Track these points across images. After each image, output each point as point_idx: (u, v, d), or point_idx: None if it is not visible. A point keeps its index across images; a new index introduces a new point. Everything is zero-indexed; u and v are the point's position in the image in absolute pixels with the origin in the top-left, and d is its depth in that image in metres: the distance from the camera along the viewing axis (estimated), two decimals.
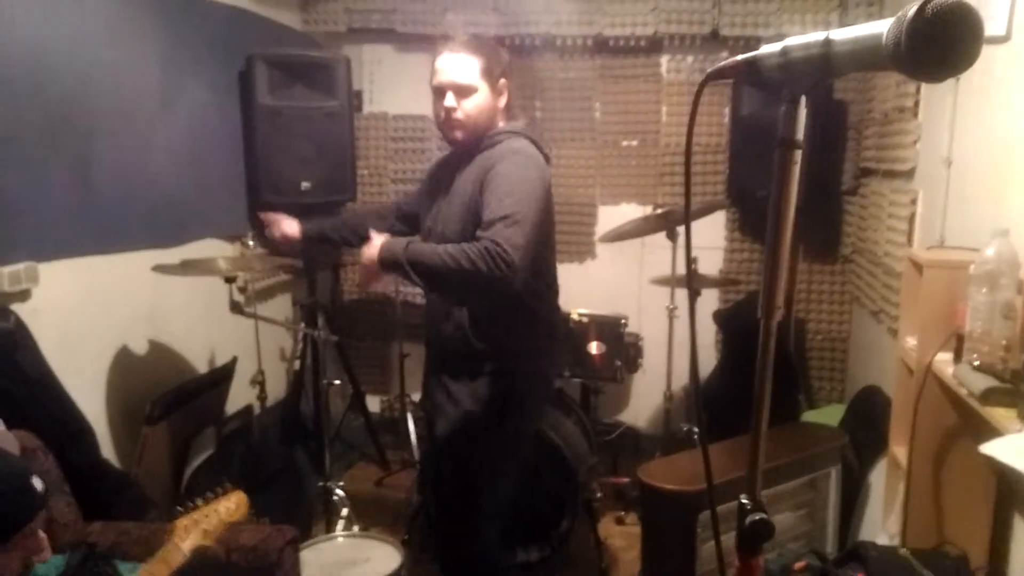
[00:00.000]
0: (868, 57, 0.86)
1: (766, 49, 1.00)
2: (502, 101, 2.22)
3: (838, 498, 2.87)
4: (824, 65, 0.92)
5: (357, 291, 3.71)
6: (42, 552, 1.52)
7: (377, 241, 2.05)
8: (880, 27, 0.83)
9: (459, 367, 2.27)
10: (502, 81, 2.20)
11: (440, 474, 2.52)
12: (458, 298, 2.15)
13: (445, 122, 2.16)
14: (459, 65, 2.12)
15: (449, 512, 2.42)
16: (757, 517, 0.96)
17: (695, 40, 4.17)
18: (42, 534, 1.53)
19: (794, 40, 0.96)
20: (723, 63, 1.06)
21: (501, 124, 2.25)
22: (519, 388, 2.25)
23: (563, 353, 3.06)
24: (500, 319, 2.19)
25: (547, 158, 2.25)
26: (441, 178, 2.30)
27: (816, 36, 0.92)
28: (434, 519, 2.75)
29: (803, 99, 0.98)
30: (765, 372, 0.97)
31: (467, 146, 2.19)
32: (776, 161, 1.00)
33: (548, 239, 2.22)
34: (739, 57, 1.04)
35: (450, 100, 2.11)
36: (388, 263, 2.00)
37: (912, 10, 0.77)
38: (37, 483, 1.53)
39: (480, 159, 2.15)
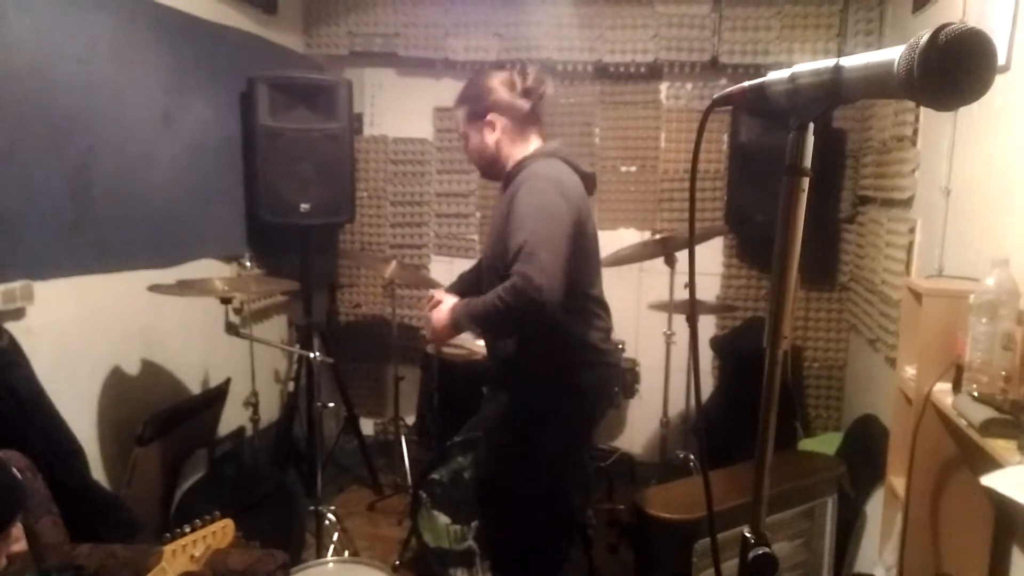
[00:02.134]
0: (879, 84, 0.86)
1: (774, 75, 0.99)
2: (498, 132, 2.26)
3: (834, 528, 2.84)
4: (833, 92, 0.91)
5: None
6: (19, 541, 1.54)
7: (446, 306, 2.24)
8: (891, 54, 0.82)
9: (493, 379, 2.43)
10: (490, 116, 2.25)
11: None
12: (511, 333, 2.25)
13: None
14: (455, 116, 2.35)
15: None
16: (761, 551, 0.94)
17: (695, 67, 4.20)
18: (18, 524, 1.54)
19: (803, 67, 0.95)
20: (730, 89, 1.06)
21: (530, 147, 2.28)
22: (546, 401, 2.25)
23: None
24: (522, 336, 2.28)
25: (580, 170, 2.26)
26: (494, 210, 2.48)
27: (826, 63, 0.92)
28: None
29: (811, 126, 0.98)
30: (770, 404, 0.96)
31: (496, 178, 2.35)
32: (784, 188, 0.99)
33: (580, 251, 2.18)
34: (746, 83, 1.03)
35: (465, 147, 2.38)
36: (458, 325, 2.20)
37: (925, 37, 0.77)
38: (18, 473, 1.56)
39: (509, 189, 2.21)
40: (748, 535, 0.95)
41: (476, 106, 2.28)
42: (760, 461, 0.97)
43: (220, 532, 1.82)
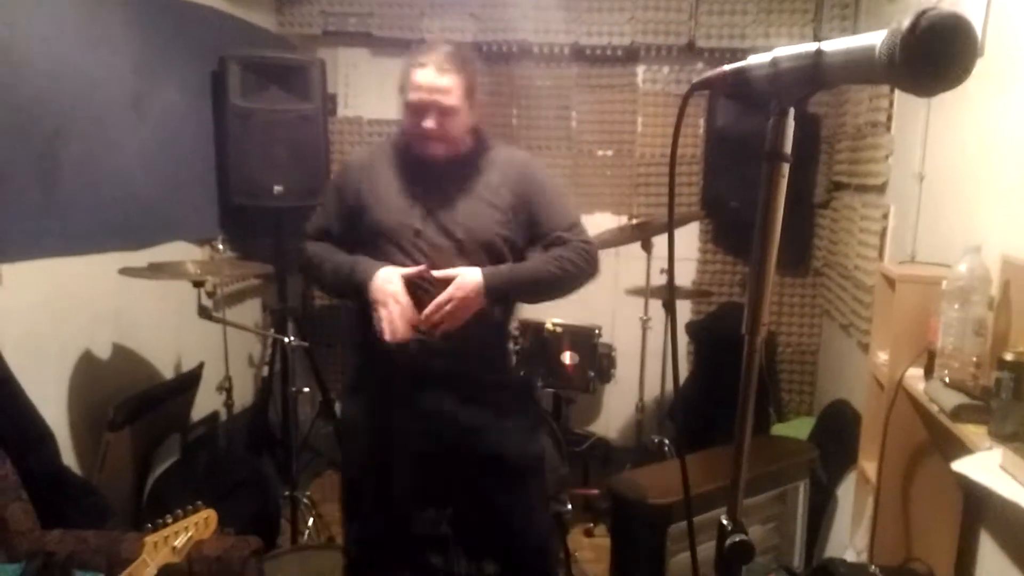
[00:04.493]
0: (860, 69, 0.85)
1: (755, 59, 0.98)
2: (474, 119, 2.16)
3: (806, 512, 2.87)
4: (814, 76, 0.90)
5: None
6: None
7: (472, 275, 1.99)
8: (873, 39, 0.81)
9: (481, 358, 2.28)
10: (477, 95, 2.14)
11: None
12: (560, 297, 2.18)
13: (421, 139, 2.06)
14: (444, 86, 2.02)
15: None
16: (738, 539, 0.94)
17: (671, 51, 4.20)
18: None
19: (784, 51, 0.94)
20: (710, 73, 1.05)
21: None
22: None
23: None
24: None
25: None
26: (414, 180, 2.13)
27: (807, 47, 0.91)
28: None
29: (791, 111, 0.97)
30: (748, 391, 0.95)
31: (441, 158, 2.11)
32: (763, 174, 0.98)
33: None
34: (727, 67, 1.02)
35: (431, 122, 2.02)
36: (497, 291, 2.01)
37: (906, 22, 0.76)
38: None
39: (495, 163, 2.14)
40: (725, 522, 0.95)
41: (475, 83, 2.11)
42: (738, 448, 0.97)
43: (202, 523, 1.81)
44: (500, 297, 2.04)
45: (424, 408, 2.10)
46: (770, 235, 1.00)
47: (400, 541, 2.28)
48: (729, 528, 0.95)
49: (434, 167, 2.11)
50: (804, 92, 0.95)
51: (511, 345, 2.29)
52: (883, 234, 3.07)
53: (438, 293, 1.96)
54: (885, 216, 3.05)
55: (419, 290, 1.99)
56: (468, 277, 1.98)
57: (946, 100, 2.51)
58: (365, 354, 2.23)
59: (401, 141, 2.18)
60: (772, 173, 0.99)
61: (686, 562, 2.45)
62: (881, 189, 3.17)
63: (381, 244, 2.10)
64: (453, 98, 2.03)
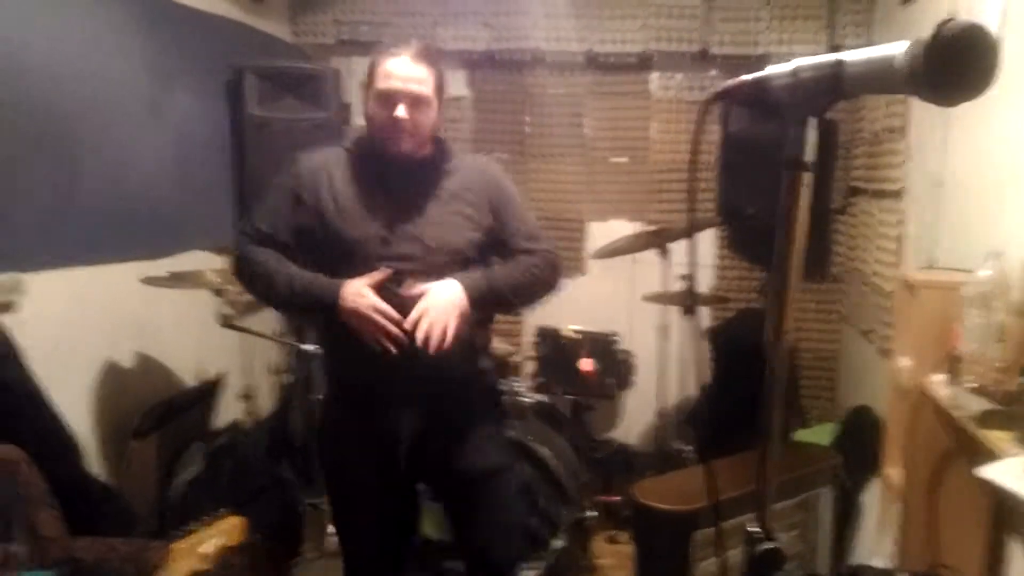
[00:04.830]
0: (881, 80, 0.86)
1: (775, 69, 0.99)
2: (441, 116, 2.08)
3: (831, 519, 2.85)
4: (835, 87, 0.91)
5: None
6: None
7: (447, 285, 1.91)
8: (894, 50, 0.82)
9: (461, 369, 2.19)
10: (444, 95, 2.08)
11: None
12: (521, 308, 2.23)
13: (391, 130, 1.96)
14: (419, 76, 1.96)
15: None
16: (768, 546, 0.95)
17: (684, 58, 4.20)
18: None
19: (805, 61, 0.95)
20: (730, 83, 1.06)
21: None
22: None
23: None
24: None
25: None
26: (374, 187, 2.03)
27: (827, 58, 0.92)
28: None
29: (812, 121, 0.98)
30: (774, 398, 0.96)
31: (407, 157, 2.01)
32: (784, 184, 0.99)
33: None
34: (747, 77, 1.04)
35: (403, 111, 1.93)
36: (480, 299, 1.95)
37: (928, 33, 0.77)
38: None
39: (459, 170, 2.08)
40: (753, 529, 0.96)
41: (444, 81, 2.04)
42: (763, 455, 0.97)
43: (230, 530, 1.81)
44: (483, 303, 1.96)
45: (389, 426, 2.04)
46: (792, 243, 1.00)
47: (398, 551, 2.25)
48: (758, 535, 0.95)
49: (395, 173, 2.02)
50: (825, 102, 0.96)
51: (486, 363, 2.20)
52: (901, 240, 3.06)
53: (411, 309, 1.87)
54: (902, 222, 3.04)
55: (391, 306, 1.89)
56: (442, 287, 1.91)
57: (964, 105, 2.50)
58: (335, 369, 2.17)
59: (359, 145, 2.09)
60: (793, 182, 1.00)
61: (711, 569, 2.44)
62: (899, 195, 3.16)
63: (343, 255, 1.99)
64: (426, 87, 1.97)
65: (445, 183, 2.05)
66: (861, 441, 3.11)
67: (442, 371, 1.96)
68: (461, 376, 2.07)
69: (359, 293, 1.89)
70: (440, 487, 2.23)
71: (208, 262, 3.54)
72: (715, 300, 4.19)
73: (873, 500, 2.69)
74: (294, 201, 2.04)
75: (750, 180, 3.86)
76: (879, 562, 2.29)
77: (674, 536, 2.44)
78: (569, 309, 4.07)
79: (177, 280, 2.96)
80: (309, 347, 3.12)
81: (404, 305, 1.88)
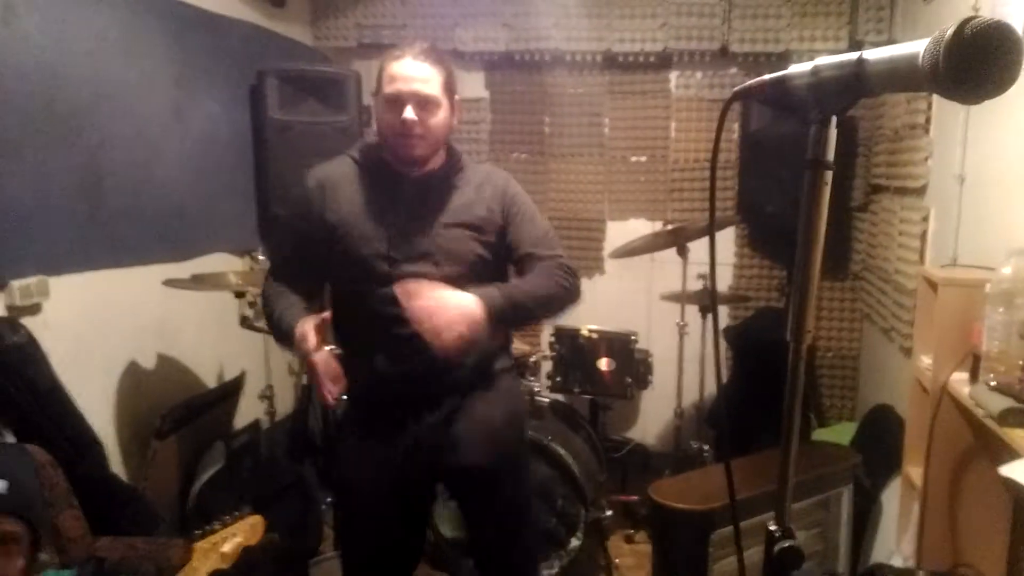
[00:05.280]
0: (903, 78, 0.86)
1: (796, 68, 0.99)
2: (455, 120, 2.02)
3: (850, 518, 2.84)
4: (856, 85, 0.91)
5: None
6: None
7: (469, 301, 1.79)
8: (915, 47, 0.82)
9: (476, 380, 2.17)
10: (456, 98, 2.01)
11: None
12: (539, 322, 2.13)
13: (401, 135, 1.91)
14: (423, 75, 1.90)
15: None
16: (787, 544, 0.94)
17: (704, 56, 4.18)
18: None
19: (825, 59, 0.95)
20: (751, 82, 1.06)
21: None
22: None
23: None
24: None
25: None
26: (384, 200, 1.98)
27: (848, 56, 0.91)
28: None
29: (834, 120, 0.97)
30: (795, 398, 0.96)
31: (417, 164, 1.97)
32: (806, 182, 0.99)
33: None
34: (767, 76, 1.03)
35: (411, 112, 1.88)
36: (500, 315, 1.83)
37: (951, 30, 0.77)
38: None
39: (471, 181, 2.03)
40: (773, 528, 0.96)
41: (453, 80, 1.99)
42: (785, 453, 0.97)
43: (250, 529, 1.82)
44: (503, 318, 1.85)
45: (407, 426, 2.03)
46: (815, 242, 1.00)
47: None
48: (778, 534, 0.95)
49: (403, 186, 1.98)
50: (846, 101, 0.95)
51: (506, 362, 2.16)
52: (923, 237, 3.03)
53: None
54: (925, 219, 3.02)
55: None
56: (454, 294, 1.80)
57: (987, 101, 2.48)
58: (351, 371, 2.07)
59: (367, 155, 2.04)
60: (815, 180, 0.99)
61: (728, 568, 2.44)
62: (921, 192, 3.14)
63: (353, 273, 1.97)
64: (433, 87, 1.91)
65: (455, 196, 2.00)
66: (881, 440, 3.09)
67: (460, 372, 1.96)
68: (480, 376, 2.06)
69: (303, 337, 1.85)
70: (456, 486, 2.22)
71: (230, 264, 3.58)
72: (735, 299, 4.18)
73: (893, 499, 2.67)
74: (301, 223, 2.02)
75: (770, 178, 3.86)
76: (899, 561, 2.28)
77: (692, 535, 2.44)
78: (587, 309, 4.04)
79: (199, 282, 2.99)
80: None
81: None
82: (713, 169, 1.14)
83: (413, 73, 1.90)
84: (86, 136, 2.72)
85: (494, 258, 2.02)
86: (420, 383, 1.97)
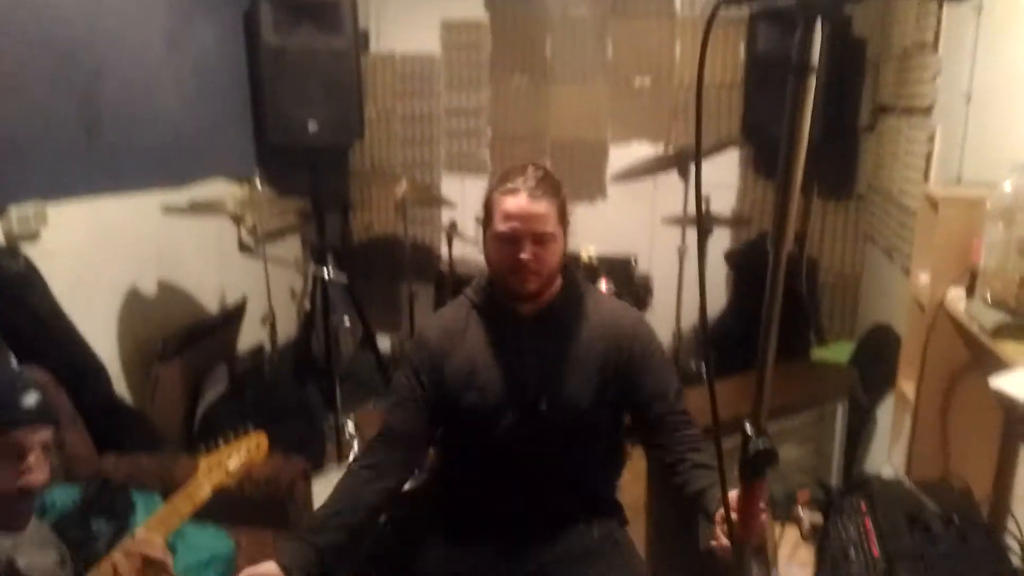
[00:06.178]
0: None
1: None
2: (568, 245, 1.90)
3: (844, 433, 2.88)
4: None
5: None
6: (31, 474, 1.53)
7: None
8: None
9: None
10: (568, 221, 1.88)
11: None
12: None
13: (516, 271, 1.80)
14: (540, 212, 1.78)
15: None
16: (761, 444, 0.96)
17: None
18: (35, 456, 1.54)
19: None
20: None
21: None
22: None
23: None
24: None
25: None
26: (504, 349, 1.89)
27: None
28: None
29: (819, 21, 0.95)
30: (774, 298, 0.96)
31: (532, 297, 1.87)
32: (790, 87, 0.97)
33: None
34: None
35: (527, 253, 1.78)
36: None
37: None
38: (30, 398, 1.56)
39: (588, 317, 1.91)
40: (748, 429, 0.97)
41: (565, 207, 1.86)
42: (763, 356, 0.98)
43: (254, 446, 1.85)
44: None
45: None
46: (797, 147, 0.99)
47: None
48: (753, 434, 0.96)
49: (524, 329, 1.88)
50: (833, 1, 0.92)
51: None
52: (929, 157, 2.99)
53: None
54: (931, 138, 2.97)
55: None
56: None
57: (996, 16, 2.41)
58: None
59: (483, 297, 1.94)
60: (799, 86, 0.97)
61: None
62: (927, 111, 3.08)
63: (464, 429, 1.91)
64: (549, 224, 1.79)
65: (574, 337, 1.88)
66: (878, 358, 3.11)
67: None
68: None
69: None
70: None
71: (228, 190, 3.57)
72: (736, 222, 4.16)
73: (887, 415, 2.70)
74: (416, 384, 1.90)
75: (776, 100, 3.78)
76: (889, 472, 2.31)
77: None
78: (588, 232, 4.06)
79: (197, 208, 2.99)
80: (328, 273, 3.15)
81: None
82: (699, 84, 1.10)
83: (530, 211, 1.78)
84: (82, 65, 2.71)
85: (613, 402, 1.90)
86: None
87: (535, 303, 1.88)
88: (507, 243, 1.79)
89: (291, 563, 1.62)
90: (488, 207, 1.85)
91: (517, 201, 1.78)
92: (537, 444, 1.84)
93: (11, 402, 1.54)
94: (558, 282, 1.91)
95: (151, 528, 1.63)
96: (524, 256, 1.77)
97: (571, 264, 1.94)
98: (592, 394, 1.85)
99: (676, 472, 1.80)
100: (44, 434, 1.58)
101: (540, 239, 1.78)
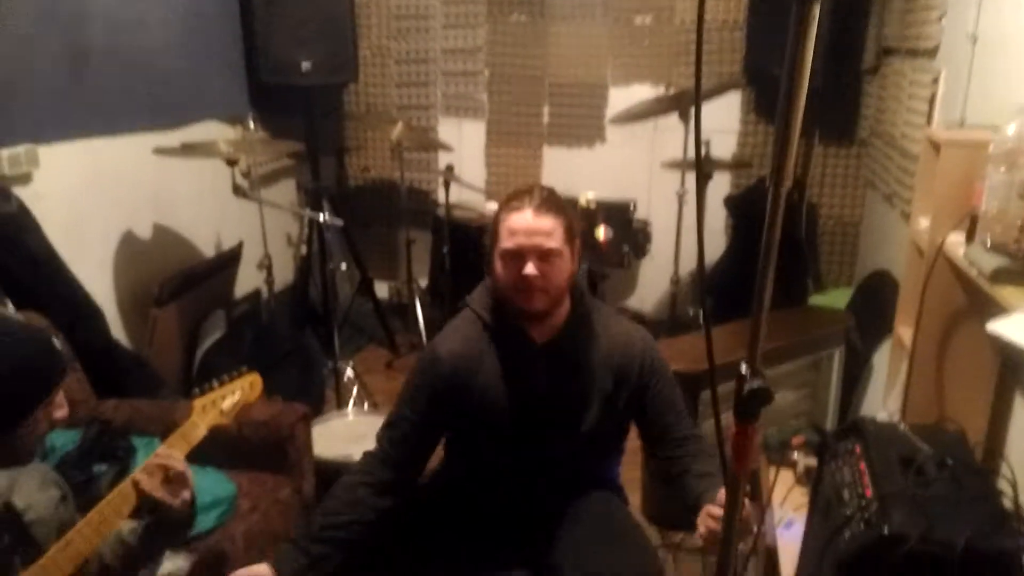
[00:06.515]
0: None
1: None
2: (577, 264, 1.91)
3: (840, 379, 2.89)
4: None
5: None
6: (62, 408, 1.57)
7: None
8: None
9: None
10: (577, 242, 1.89)
11: None
12: None
13: (523, 288, 1.81)
14: (545, 228, 1.79)
15: None
16: (756, 384, 0.95)
17: None
18: (61, 393, 1.57)
19: None
20: None
21: None
22: None
23: None
24: None
25: None
26: (514, 371, 1.90)
27: None
28: None
29: None
30: (772, 236, 0.95)
31: (539, 316, 1.87)
32: (793, 13, 0.94)
33: None
34: None
35: (532, 268, 1.77)
36: None
37: None
38: (58, 343, 1.63)
39: (601, 337, 1.93)
40: (744, 370, 0.97)
41: (575, 223, 1.88)
42: (759, 298, 0.97)
43: (248, 386, 1.85)
44: None
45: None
46: (799, 81, 0.96)
47: None
48: (748, 374, 0.96)
49: (537, 359, 1.89)
50: None
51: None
52: (932, 100, 2.95)
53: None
54: (935, 81, 2.92)
55: None
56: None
57: None
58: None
59: (495, 319, 1.93)
60: (802, 15, 0.94)
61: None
62: (932, 53, 3.03)
63: (476, 447, 1.96)
64: (555, 239, 1.80)
65: (585, 365, 1.90)
66: (876, 304, 3.11)
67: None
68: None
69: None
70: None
71: (221, 132, 3.52)
72: (737, 166, 4.12)
73: (883, 360, 2.71)
74: (427, 403, 1.91)
75: (779, 41, 3.71)
76: (883, 416, 2.33)
77: (683, 395, 2.49)
78: (586, 177, 4.03)
79: (189, 151, 2.95)
80: (324, 217, 3.12)
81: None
82: (700, 22, 1.07)
83: (535, 226, 1.79)
84: (71, 6, 2.66)
85: (618, 425, 1.97)
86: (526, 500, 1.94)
87: (544, 324, 1.88)
88: (512, 259, 1.80)
89: (283, 567, 1.71)
90: (495, 226, 1.85)
91: (522, 217, 1.79)
92: (544, 463, 1.90)
93: (59, 359, 1.59)
94: (566, 304, 1.91)
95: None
96: (529, 272, 1.77)
97: (579, 284, 1.95)
98: (601, 418, 1.89)
99: (681, 486, 1.85)
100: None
101: (546, 255, 1.78)
